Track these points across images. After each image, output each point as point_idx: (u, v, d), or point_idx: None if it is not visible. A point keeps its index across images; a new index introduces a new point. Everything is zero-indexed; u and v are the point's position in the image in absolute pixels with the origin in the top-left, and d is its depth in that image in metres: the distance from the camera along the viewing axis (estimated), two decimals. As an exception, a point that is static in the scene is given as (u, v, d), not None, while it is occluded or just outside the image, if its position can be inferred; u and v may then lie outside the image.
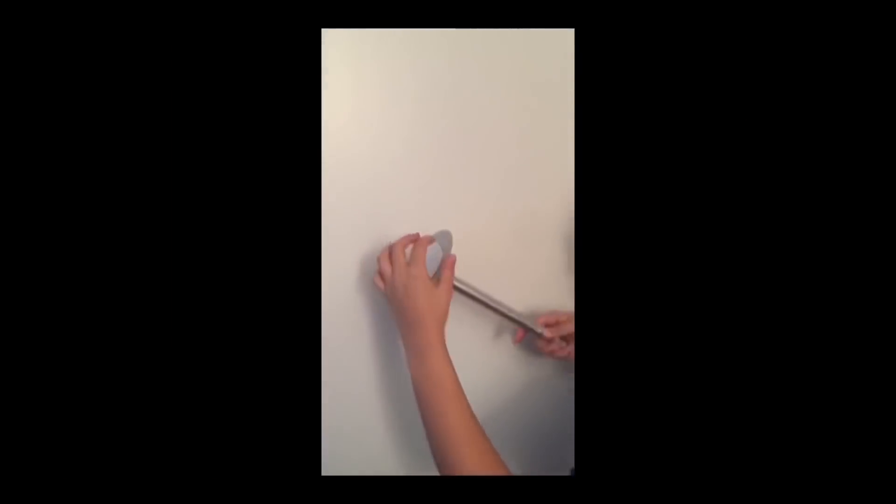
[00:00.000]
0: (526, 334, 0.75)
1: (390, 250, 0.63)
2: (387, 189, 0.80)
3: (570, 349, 0.74)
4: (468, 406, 0.58)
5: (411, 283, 0.60)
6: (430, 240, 0.67)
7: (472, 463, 0.51)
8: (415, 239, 0.66)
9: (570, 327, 0.73)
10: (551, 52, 0.80)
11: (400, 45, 0.78)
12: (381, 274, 0.64)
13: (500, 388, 0.83)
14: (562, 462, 0.83)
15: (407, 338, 0.61)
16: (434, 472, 0.84)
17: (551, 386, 0.85)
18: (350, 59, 0.79)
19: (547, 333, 0.72)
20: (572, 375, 0.72)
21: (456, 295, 0.69)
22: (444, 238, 0.69)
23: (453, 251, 0.69)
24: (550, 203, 0.81)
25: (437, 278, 0.65)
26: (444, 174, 0.77)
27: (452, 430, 0.54)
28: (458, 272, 0.71)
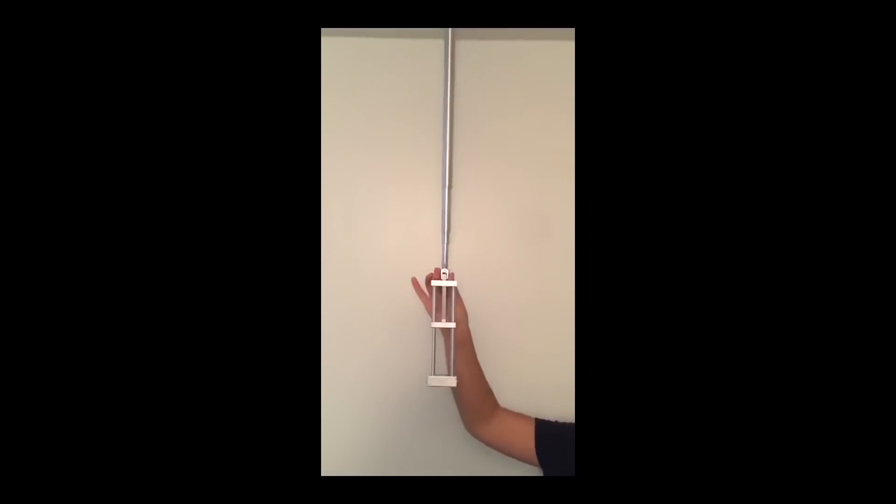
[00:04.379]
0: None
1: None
2: (386, 188, 0.80)
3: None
4: None
5: None
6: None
7: None
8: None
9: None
10: (551, 52, 0.80)
11: (400, 44, 0.78)
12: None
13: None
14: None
15: None
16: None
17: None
18: (349, 62, 0.80)
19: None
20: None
21: None
22: None
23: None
24: (553, 201, 0.81)
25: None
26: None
27: None
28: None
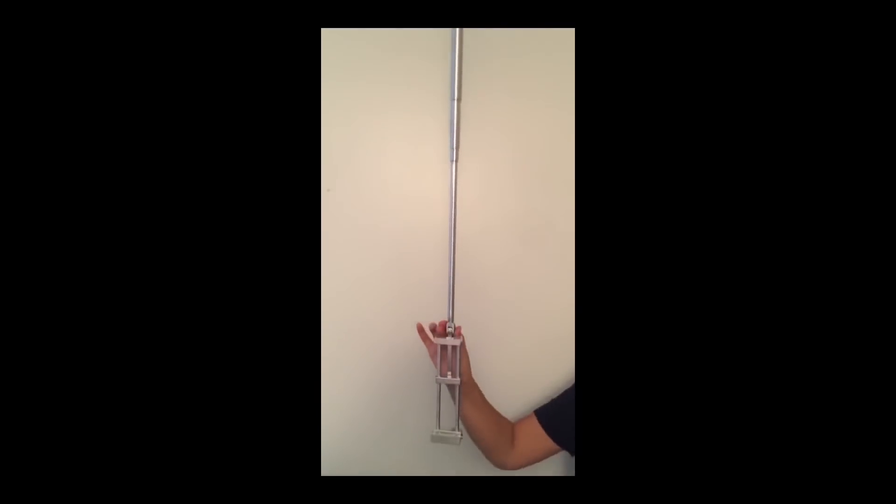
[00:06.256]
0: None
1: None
2: (386, 187, 0.80)
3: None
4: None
5: None
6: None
7: None
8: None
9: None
10: (552, 51, 0.80)
11: (400, 44, 0.78)
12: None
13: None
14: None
15: None
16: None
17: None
18: (349, 58, 0.80)
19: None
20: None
21: None
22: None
23: None
24: (552, 202, 0.81)
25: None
26: (446, 172, 0.77)
27: None
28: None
